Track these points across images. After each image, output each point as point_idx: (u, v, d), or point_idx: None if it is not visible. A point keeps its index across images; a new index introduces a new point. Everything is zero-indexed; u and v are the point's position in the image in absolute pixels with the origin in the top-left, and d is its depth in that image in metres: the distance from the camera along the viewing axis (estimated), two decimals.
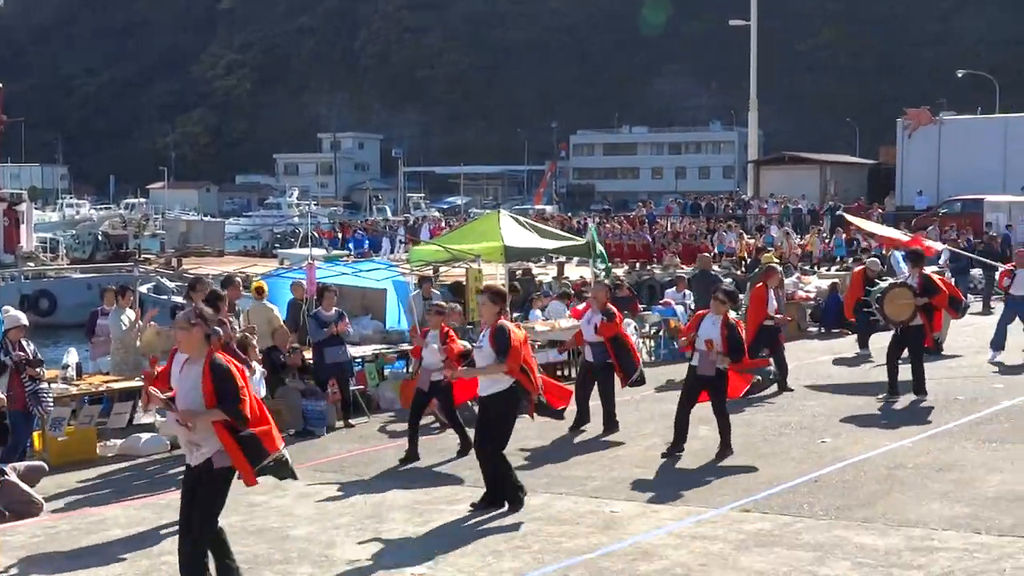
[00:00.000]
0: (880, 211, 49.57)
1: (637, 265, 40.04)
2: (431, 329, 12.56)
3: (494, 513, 9.82)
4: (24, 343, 12.28)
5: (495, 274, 23.40)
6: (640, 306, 23.23)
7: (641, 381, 13.90)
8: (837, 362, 19.40)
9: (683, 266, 35.77)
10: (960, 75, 75.19)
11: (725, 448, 11.86)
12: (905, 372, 15.05)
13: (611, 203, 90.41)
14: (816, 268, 37.49)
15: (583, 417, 13.81)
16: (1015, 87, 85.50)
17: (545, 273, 32.59)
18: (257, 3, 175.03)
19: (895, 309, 15.08)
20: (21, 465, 11.24)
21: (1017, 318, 18.80)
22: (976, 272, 29.58)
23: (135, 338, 15.06)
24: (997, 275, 21.76)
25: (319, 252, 36.76)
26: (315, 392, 14.65)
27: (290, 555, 8.84)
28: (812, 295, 25.46)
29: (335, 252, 42.59)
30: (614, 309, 13.79)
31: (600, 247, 21.37)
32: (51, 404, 12.63)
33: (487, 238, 20.08)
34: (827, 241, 40.75)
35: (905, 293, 15.09)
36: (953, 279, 23.94)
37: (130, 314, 15.35)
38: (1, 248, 45.94)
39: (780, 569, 8.09)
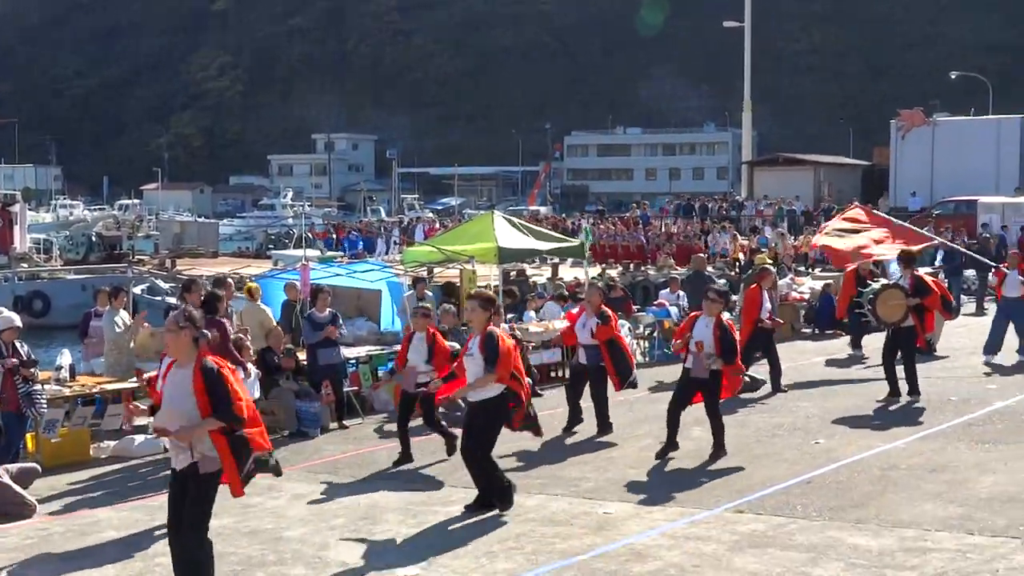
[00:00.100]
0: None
1: (631, 266, 40.07)
2: (417, 331, 12.52)
3: (488, 515, 9.82)
4: (18, 344, 12.26)
5: (489, 275, 23.46)
6: (634, 307, 23.26)
7: (634, 385, 13.92)
8: (830, 363, 19.42)
9: (677, 267, 35.80)
10: (953, 76, 75.27)
11: (719, 449, 11.88)
12: (900, 373, 15.08)
13: (605, 204, 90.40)
14: (811, 269, 37.55)
15: (575, 417, 13.83)
16: (1008, 88, 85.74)
17: (539, 274, 32.65)
18: (249, 5, 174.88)
19: (887, 310, 15.11)
20: (14, 467, 11.22)
21: (1010, 321, 18.74)
22: (969, 273, 29.62)
23: (129, 339, 15.05)
24: (992, 275, 21.61)
25: (313, 253, 36.73)
26: (309, 393, 14.65)
27: (284, 556, 8.83)
28: (806, 296, 25.49)
29: (329, 253, 42.58)
30: (609, 312, 13.79)
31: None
32: (44, 406, 12.61)
33: (481, 239, 20.11)
34: None
35: (897, 294, 15.12)
36: (946, 280, 23.97)
37: (124, 315, 15.34)
38: None
39: (773, 570, 8.10)
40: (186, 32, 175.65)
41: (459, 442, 10.59)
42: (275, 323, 16.18)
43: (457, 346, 12.54)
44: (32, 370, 12.30)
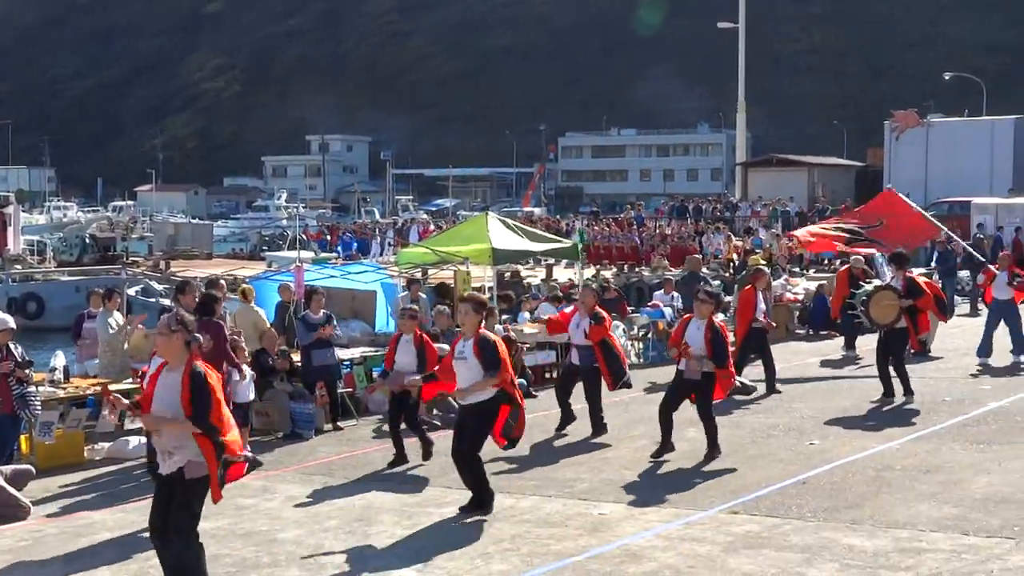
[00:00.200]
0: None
1: (625, 267, 40.08)
2: (404, 333, 12.49)
3: (482, 516, 9.82)
4: (12, 346, 12.23)
5: (483, 276, 23.48)
6: (628, 308, 23.27)
7: (628, 385, 13.92)
8: (825, 364, 19.43)
9: (671, 268, 35.78)
10: (947, 77, 75.37)
11: (713, 450, 11.88)
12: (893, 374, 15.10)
13: (599, 205, 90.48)
14: (805, 270, 37.56)
15: (567, 418, 13.83)
16: (1008, 89, 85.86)
17: (533, 276, 32.66)
18: (244, 6, 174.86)
19: (880, 312, 15.11)
20: (8, 468, 11.20)
21: (1002, 322, 18.73)
22: (964, 274, 29.66)
23: (123, 341, 15.03)
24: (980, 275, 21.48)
25: (307, 254, 36.72)
26: (303, 395, 14.64)
27: (278, 558, 8.83)
28: (800, 297, 25.51)
29: (323, 254, 42.57)
30: (603, 313, 13.78)
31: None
32: (39, 407, 12.59)
33: (475, 240, 20.12)
34: None
35: (890, 295, 15.12)
36: (940, 281, 23.96)
37: (117, 317, 15.31)
38: None
39: (768, 571, 8.11)
40: (183, 33, 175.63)
41: (451, 445, 10.56)
42: (269, 324, 16.17)
43: (446, 347, 12.52)
44: (27, 372, 12.28)
